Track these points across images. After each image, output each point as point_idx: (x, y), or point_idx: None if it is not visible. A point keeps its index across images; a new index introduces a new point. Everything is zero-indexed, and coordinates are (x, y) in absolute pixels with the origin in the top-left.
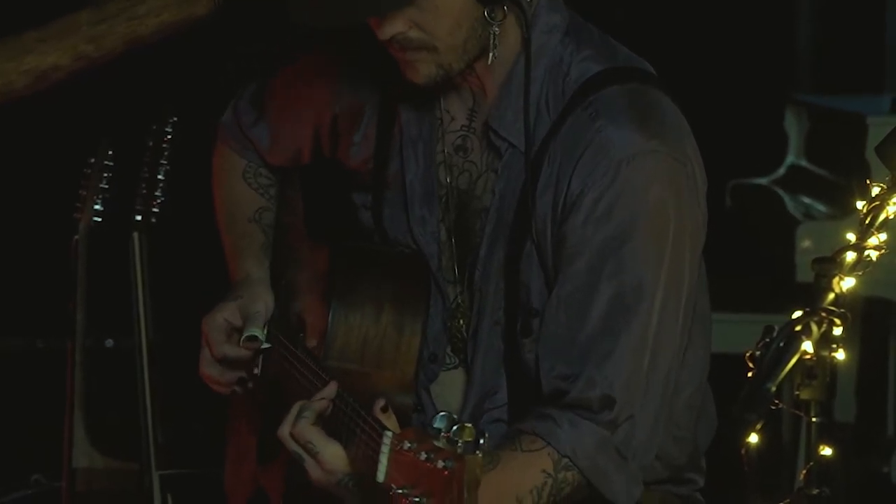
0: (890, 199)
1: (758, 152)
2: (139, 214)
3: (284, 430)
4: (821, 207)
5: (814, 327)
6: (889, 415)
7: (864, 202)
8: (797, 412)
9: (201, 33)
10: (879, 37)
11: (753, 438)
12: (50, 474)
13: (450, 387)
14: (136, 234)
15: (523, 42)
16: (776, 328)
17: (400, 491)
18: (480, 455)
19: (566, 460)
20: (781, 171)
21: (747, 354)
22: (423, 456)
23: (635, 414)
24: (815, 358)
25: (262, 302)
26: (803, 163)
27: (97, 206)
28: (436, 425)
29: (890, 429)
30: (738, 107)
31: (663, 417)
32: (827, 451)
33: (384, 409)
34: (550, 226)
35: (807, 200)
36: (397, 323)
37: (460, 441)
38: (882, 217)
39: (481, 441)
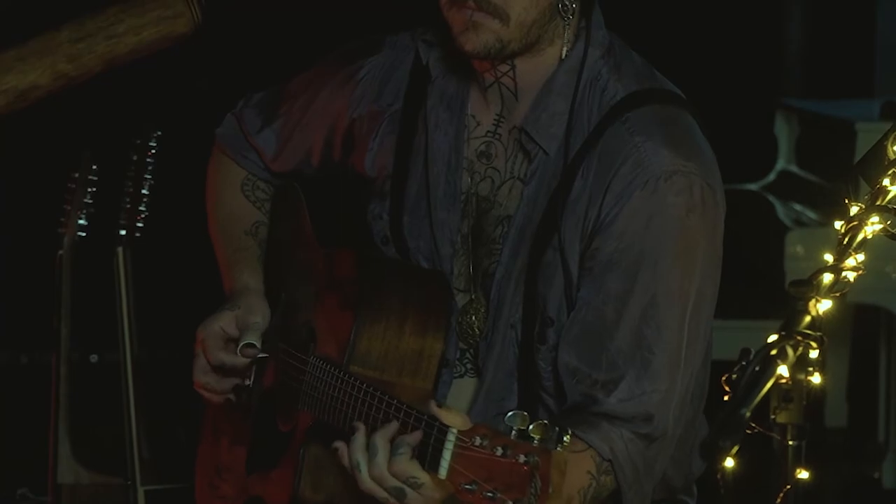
0: (868, 218)
1: (747, 158)
2: (123, 229)
3: (380, 469)
4: (811, 214)
5: (790, 351)
6: (880, 420)
7: (842, 222)
8: (774, 435)
9: (184, 44)
10: (869, 42)
11: (729, 463)
12: (36, 488)
13: (458, 396)
14: (120, 249)
15: (567, 52)
16: (752, 351)
17: (468, 486)
18: (565, 451)
19: (607, 464)
20: (771, 176)
21: (723, 378)
22: (500, 451)
23: (666, 430)
24: (791, 382)
25: (260, 313)
26: (793, 168)
27: (81, 221)
28: (508, 422)
29: (881, 434)
30: (727, 112)
31: (677, 435)
32: (804, 474)
33: (440, 406)
34: (579, 237)
35: (797, 207)
36: (420, 335)
37: (536, 438)
38: (860, 237)
39: (565, 438)
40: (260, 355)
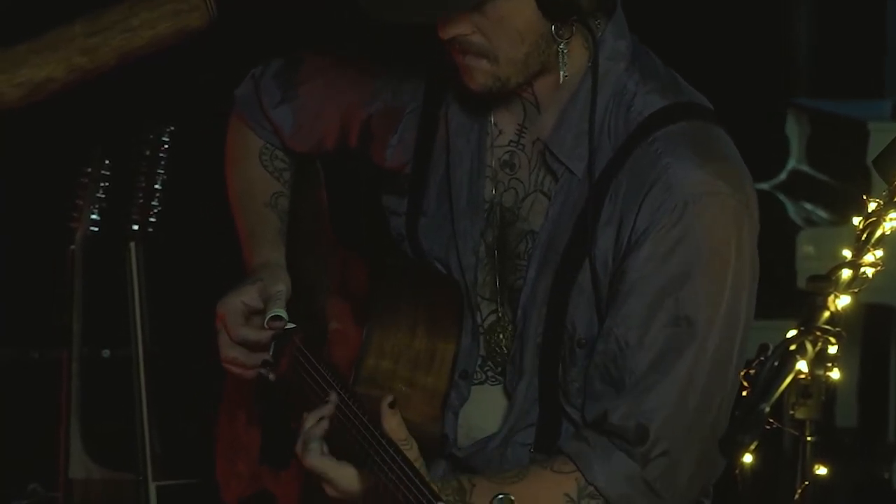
0: (886, 214)
1: (759, 157)
2: (136, 224)
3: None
4: (822, 213)
5: (808, 346)
6: (890, 421)
7: (861, 218)
8: (792, 431)
9: (198, 39)
10: (880, 41)
11: (748, 458)
12: (47, 483)
13: (479, 404)
14: (132, 244)
15: (588, 65)
16: (771, 346)
17: None
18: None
19: (591, 489)
20: (783, 176)
21: (742, 374)
22: None
23: (671, 450)
24: (809, 377)
25: (283, 283)
26: (804, 168)
27: (94, 216)
28: None
29: (891, 435)
30: (738, 111)
31: (706, 459)
32: (822, 470)
33: (391, 405)
34: (611, 260)
35: (808, 206)
36: (429, 350)
37: None
38: (879, 233)
39: None
40: (288, 326)
